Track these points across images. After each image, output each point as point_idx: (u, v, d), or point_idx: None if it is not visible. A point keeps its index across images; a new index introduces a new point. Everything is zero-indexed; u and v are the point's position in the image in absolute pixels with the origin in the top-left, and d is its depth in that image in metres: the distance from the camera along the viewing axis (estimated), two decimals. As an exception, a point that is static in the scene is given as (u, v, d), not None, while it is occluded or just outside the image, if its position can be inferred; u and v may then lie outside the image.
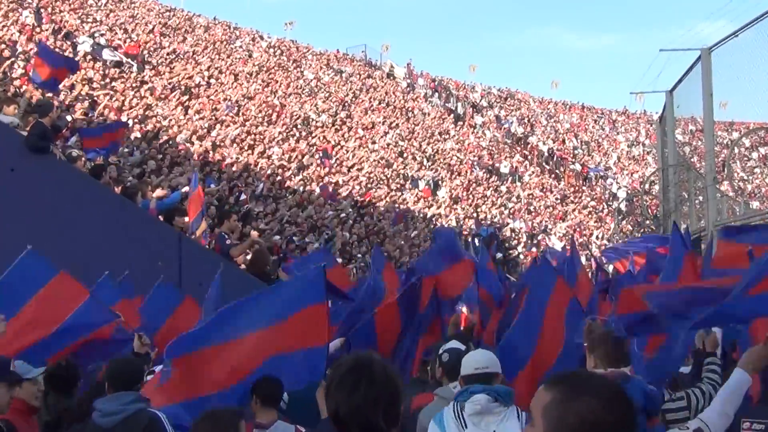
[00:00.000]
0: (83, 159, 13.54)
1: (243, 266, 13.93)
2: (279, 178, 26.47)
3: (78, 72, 19.96)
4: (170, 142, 23.17)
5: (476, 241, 30.86)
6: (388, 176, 34.54)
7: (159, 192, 14.67)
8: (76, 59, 20.82)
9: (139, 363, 6.02)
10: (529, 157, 49.97)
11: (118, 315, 7.09)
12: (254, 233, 13.61)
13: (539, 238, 37.47)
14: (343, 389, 2.99)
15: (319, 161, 30.96)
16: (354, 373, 3.02)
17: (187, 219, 13.46)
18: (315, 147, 32.30)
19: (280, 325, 5.70)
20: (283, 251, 20.22)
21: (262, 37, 46.59)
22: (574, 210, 44.24)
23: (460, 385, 5.39)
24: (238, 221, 13.91)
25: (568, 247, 37.27)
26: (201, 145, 24.85)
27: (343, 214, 26.43)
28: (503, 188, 42.00)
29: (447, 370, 6.13)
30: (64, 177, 12.21)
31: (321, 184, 28.29)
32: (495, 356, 5.47)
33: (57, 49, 25.12)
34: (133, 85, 26.90)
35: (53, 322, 6.37)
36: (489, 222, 35.37)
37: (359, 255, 23.82)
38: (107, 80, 25.45)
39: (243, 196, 22.39)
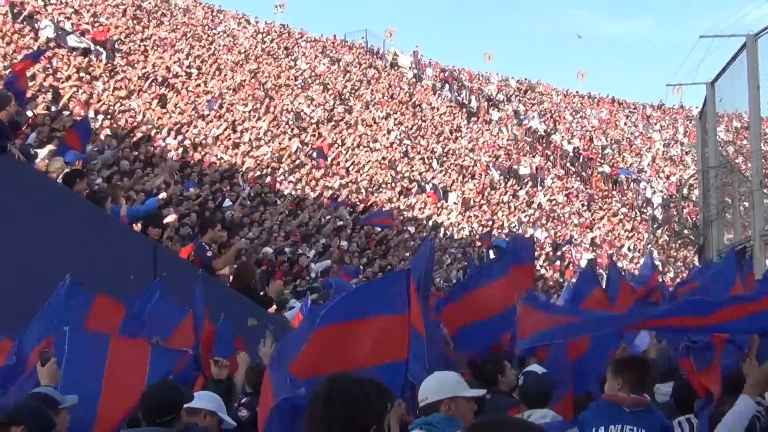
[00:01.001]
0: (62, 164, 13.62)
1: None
2: (268, 180, 26.49)
3: (40, 60, 19.94)
4: (145, 140, 23.20)
5: (491, 253, 30.87)
6: (392, 179, 34.55)
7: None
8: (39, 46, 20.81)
9: (176, 392, 6.07)
10: (552, 158, 50.01)
11: (184, 351, 7.62)
12: (241, 242, 13.61)
13: (564, 249, 37.47)
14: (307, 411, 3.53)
15: (313, 161, 30.97)
16: (315, 394, 3.52)
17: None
18: (309, 145, 32.33)
19: (358, 323, 5.94)
20: (272, 263, 20.25)
21: (249, 21, 46.72)
22: (602, 218, 44.25)
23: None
24: (222, 231, 13.90)
25: (599, 260, 37.38)
26: (179, 144, 24.88)
27: (340, 222, 26.45)
28: (522, 193, 42.00)
29: (524, 398, 6.37)
30: (22, 179, 12.21)
31: (333, 194, 28.24)
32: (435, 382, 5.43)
33: (16, 34, 25.22)
34: (103, 75, 26.93)
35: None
36: (507, 231, 35.35)
37: (360, 267, 23.83)
38: (73, 70, 25.47)
39: (227, 201, 22.42)
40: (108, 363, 6.86)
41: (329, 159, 32.31)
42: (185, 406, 6.07)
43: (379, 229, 28.00)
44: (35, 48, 24.98)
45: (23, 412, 5.28)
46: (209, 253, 13.22)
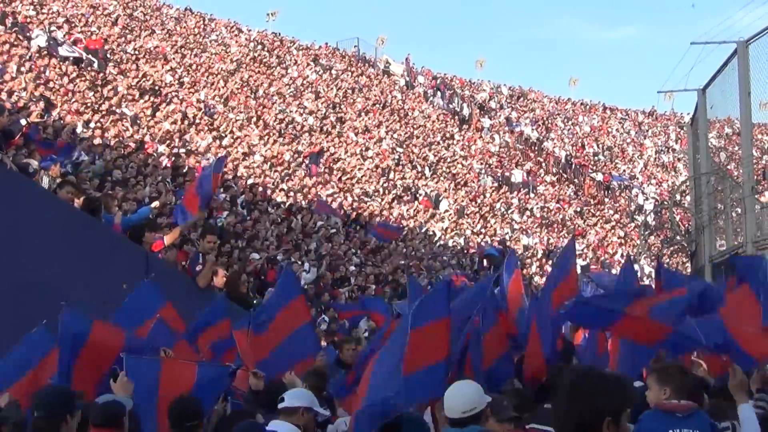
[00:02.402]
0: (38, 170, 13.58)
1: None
2: (260, 188, 26.48)
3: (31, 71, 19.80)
4: (137, 150, 23.17)
5: (484, 262, 30.92)
6: (384, 187, 34.55)
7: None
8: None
9: (198, 402, 6.54)
10: (544, 165, 50.07)
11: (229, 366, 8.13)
12: (210, 257, 13.53)
13: (557, 257, 37.48)
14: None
15: (305, 168, 30.94)
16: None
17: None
18: (301, 154, 32.33)
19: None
20: (261, 270, 20.23)
21: (240, 30, 46.73)
22: (595, 224, 44.31)
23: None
24: (215, 242, 13.85)
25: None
26: (172, 152, 24.85)
27: (333, 230, 26.44)
28: (515, 200, 42.04)
29: None
30: (15, 189, 12.20)
31: (319, 199, 28.19)
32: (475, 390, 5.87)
33: (6, 44, 25.20)
34: (95, 84, 26.91)
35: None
36: (499, 239, 35.39)
37: (351, 278, 23.83)
38: (65, 79, 25.46)
39: (225, 213, 22.40)
40: (161, 384, 7.34)
41: (321, 167, 32.30)
42: (281, 406, 6.77)
43: (373, 237, 28.03)
44: (28, 56, 25.04)
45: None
46: (198, 267, 13.20)
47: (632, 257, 33.10)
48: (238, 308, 12.98)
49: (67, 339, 7.67)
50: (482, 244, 32.93)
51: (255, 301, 15.08)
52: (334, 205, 29.06)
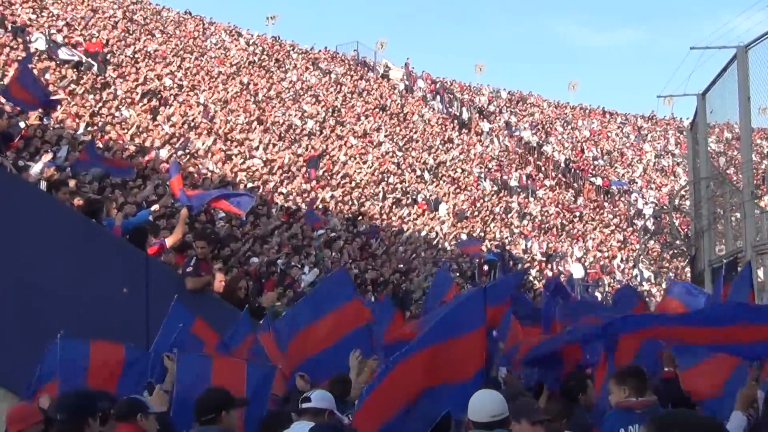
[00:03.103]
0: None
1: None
2: (260, 192, 26.49)
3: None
4: (136, 153, 23.18)
5: (485, 267, 30.91)
6: (384, 191, 34.56)
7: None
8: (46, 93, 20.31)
9: (219, 396, 6.73)
10: (544, 169, 50.09)
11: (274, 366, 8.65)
12: (207, 276, 13.62)
13: (556, 261, 37.52)
14: None
15: (305, 172, 30.95)
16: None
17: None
18: (301, 157, 32.34)
19: (439, 346, 6.76)
20: (261, 274, 20.24)
21: (240, 33, 46.75)
22: (594, 229, 44.34)
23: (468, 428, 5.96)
24: (206, 247, 13.83)
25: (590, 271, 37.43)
26: (171, 156, 24.85)
27: (333, 233, 26.45)
28: (514, 204, 42.06)
29: None
30: (15, 192, 12.20)
31: (308, 202, 28.18)
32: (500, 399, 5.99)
33: (6, 47, 25.21)
34: (94, 87, 26.92)
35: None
36: (497, 243, 35.39)
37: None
38: (64, 83, 25.48)
39: (222, 213, 22.41)
40: (213, 380, 7.64)
41: (320, 170, 32.30)
42: (306, 406, 6.92)
43: (373, 241, 28.06)
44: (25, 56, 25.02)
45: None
46: (189, 268, 13.21)
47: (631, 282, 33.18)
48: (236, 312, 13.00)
49: (68, 368, 7.84)
50: (483, 249, 32.87)
51: (278, 304, 15.08)
52: (333, 209, 29.05)
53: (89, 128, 23.05)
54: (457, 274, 29.83)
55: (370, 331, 9.78)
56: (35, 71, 23.67)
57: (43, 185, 13.35)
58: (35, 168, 14.80)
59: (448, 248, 33.00)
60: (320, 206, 28.44)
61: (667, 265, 41.86)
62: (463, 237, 34.25)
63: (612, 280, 38.15)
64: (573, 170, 51.51)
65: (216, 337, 9.50)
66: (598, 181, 51.51)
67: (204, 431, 6.42)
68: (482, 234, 36.05)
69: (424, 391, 6.71)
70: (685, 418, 3.26)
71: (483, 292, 7.01)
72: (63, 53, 27.67)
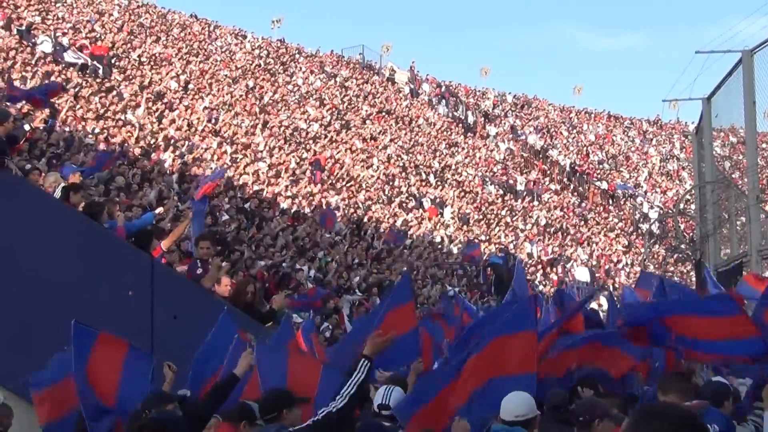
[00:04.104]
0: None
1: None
2: (265, 194, 26.51)
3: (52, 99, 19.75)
4: (141, 156, 23.21)
5: (488, 270, 30.87)
6: (389, 195, 34.55)
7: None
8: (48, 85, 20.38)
9: (280, 396, 7.09)
10: (549, 173, 50.06)
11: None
12: (216, 260, 13.58)
13: (561, 265, 37.46)
14: None
15: (310, 175, 30.94)
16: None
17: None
18: (306, 160, 32.33)
19: (491, 344, 7.22)
20: (268, 278, 20.24)
21: (245, 37, 46.78)
22: (599, 233, 44.28)
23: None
24: (210, 248, 13.84)
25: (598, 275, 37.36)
26: (176, 159, 24.89)
27: (338, 237, 26.44)
28: (519, 208, 42.02)
29: None
30: (19, 194, 12.21)
31: (325, 208, 28.14)
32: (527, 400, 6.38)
33: (12, 50, 25.27)
34: (100, 90, 26.96)
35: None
36: (503, 247, 35.32)
37: (356, 286, 23.82)
38: (70, 86, 25.51)
39: (225, 216, 22.43)
40: (288, 377, 8.00)
41: (325, 172, 32.28)
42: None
43: (376, 244, 28.05)
44: (33, 62, 25.11)
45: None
46: (199, 271, 13.21)
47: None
48: (244, 316, 13.00)
49: (77, 354, 7.84)
50: (481, 250, 32.79)
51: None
52: (338, 213, 29.03)
53: (95, 131, 23.09)
54: (464, 279, 29.85)
55: (418, 335, 9.90)
56: (39, 74, 23.82)
57: (58, 191, 13.34)
58: (54, 175, 14.78)
59: (455, 251, 32.96)
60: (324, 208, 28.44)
61: (672, 269, 41.80)
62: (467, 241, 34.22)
63: (617, 284, 38.08)
64: (578, 174, 51.47)
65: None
66: (604, 185, 51.46)
67: (266, 429, 6.74)
68: (487, 238, 36.00)
69: (482, 385, 7.08)
70: (665, 408, 3.35)
71: (533, 299, 7.60)
72: (69, 56, 27.74)
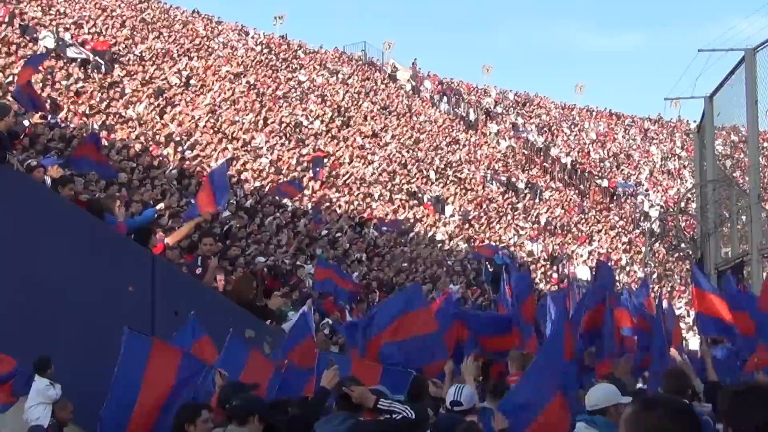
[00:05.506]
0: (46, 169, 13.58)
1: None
2: (267, 191, 26.47)
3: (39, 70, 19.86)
4: (142, 152, 23.17)
5: (489, 267, 30.80)
6: (390, 191, 34.51)
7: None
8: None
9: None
10: (550, 171, 50.02)
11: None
12: (213, 261, 13.56)
13: (562, 263, 37.42)
14: None
15: (311, 173, 30.90)
16: None
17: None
18: (307, 156, 32.28)
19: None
20: (267, 274, 20.20)
21: (248, 33, 46.71)
22: (600, 231, 44.24)
23: None
24: (213, 244, 13.82)
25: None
26: (177, 155, 24.85)
27: (338, 234, 26.41)
28: (520, 206, 41.97)
29: None
30: (21, 189, 12.20)
31: (314, 202, 28.10)
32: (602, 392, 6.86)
33: (14, 45, 25.24)
34: (102, 86, 26.93)
35: None
36: (503, 245, 35.28)
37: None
38: (71, 81, 25.48)
39: (226, 212, 22.39)
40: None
41: (326, 170, 32.24)
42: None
43: (377, 241, 28.00)
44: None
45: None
46: (199, 270, 13.21)
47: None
48: (246, 313, 13.00)
49: (129, 362, 7.86)
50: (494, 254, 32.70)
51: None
52: (339, 210, 29.01)
53: (96, 126, 23.05)
54: (462, 276, 29.79)
55: (440, 338, 10.06)
56: (42, 69, 23.77)
57: (48, 183, 13.32)
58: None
59: (457, 248, 32.94)
60: (325, 205, 28.42)
61: (672, 267, 41.78)
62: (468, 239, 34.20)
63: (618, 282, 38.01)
64: (579, 172, 51.43)
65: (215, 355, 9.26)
66: (605, 183, 51.43)
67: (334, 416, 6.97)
68: (488, 235, 35.95)
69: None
70: (667, 398, 3.73)
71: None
72: (71, 51, 27.70)
